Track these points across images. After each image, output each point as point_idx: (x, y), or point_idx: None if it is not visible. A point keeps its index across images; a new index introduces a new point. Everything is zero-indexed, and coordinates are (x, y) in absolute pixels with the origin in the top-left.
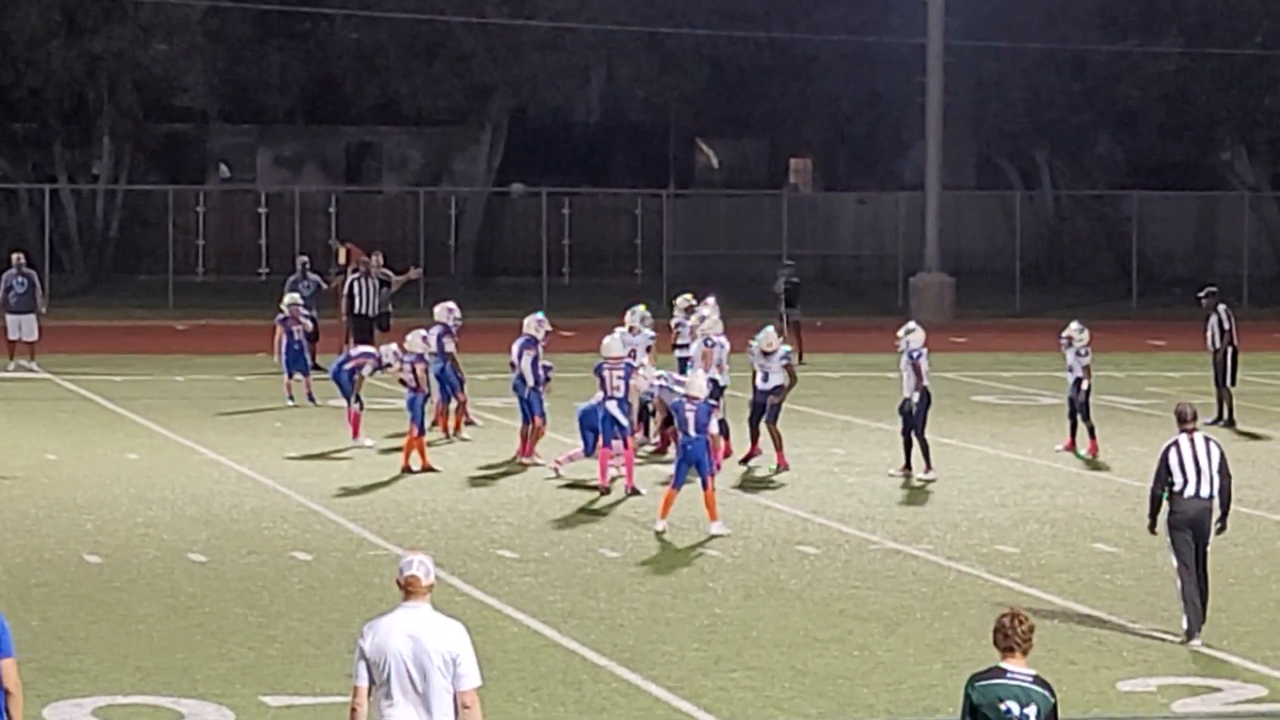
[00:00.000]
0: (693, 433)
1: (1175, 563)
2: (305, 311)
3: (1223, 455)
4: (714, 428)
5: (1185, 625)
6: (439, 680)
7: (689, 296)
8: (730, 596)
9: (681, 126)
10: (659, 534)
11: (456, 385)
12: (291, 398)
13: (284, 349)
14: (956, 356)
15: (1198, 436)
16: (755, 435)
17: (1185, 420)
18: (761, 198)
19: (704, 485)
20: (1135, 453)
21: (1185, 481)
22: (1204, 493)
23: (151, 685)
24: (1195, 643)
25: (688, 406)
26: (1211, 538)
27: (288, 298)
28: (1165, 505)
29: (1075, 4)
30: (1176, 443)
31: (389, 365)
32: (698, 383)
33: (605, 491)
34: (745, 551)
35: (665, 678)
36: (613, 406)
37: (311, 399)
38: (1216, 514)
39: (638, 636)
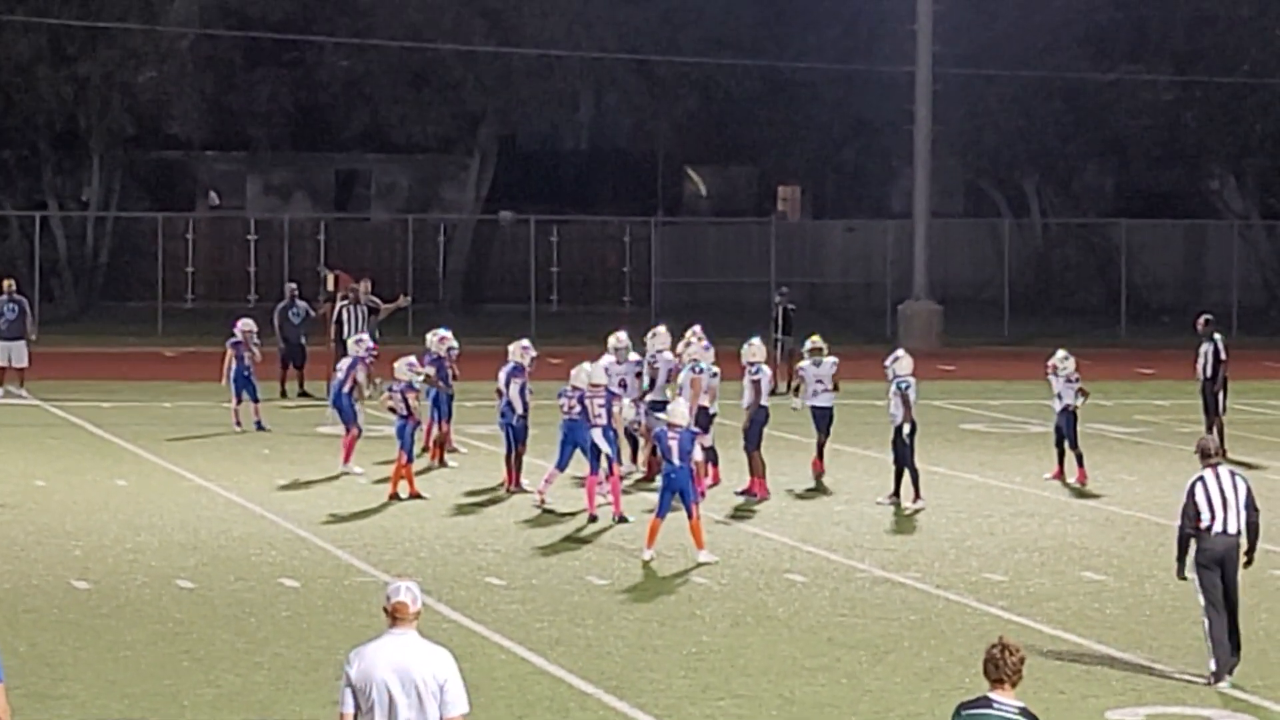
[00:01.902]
0: (676, 461)
1: (1203, 602)
2: (257, 340)
3: (1249, 489)
4: (698, 455)
5: (1213, 666)
6: (426, 707)
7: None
8: (718, 624)
9: (670, 154)
10: (646, 562)
11: (446, 413)
12: (239, 424)
13: (233, 374)
14: (945, 384)
15: (1222, 470)
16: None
17: (1209, 455)
18: (750, 225)
19: (689, 514)
20: (1124, 481)
21: (1213, 518)
22: (1231, 529)
23: (139, 711)
24: (1223, 684)
25: (670, 435)
26: (1240, 572)
27: (242, 322)
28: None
29: (1066, 33)
30: (1202, 478)
31: (371, 351)
32: (680, 410)
33: (593, 519)
34: (733, 579)
35: (652, 706)
36: (597, 435)
37: (260, 425)
38: (1244, 548)
39: (625, 664)
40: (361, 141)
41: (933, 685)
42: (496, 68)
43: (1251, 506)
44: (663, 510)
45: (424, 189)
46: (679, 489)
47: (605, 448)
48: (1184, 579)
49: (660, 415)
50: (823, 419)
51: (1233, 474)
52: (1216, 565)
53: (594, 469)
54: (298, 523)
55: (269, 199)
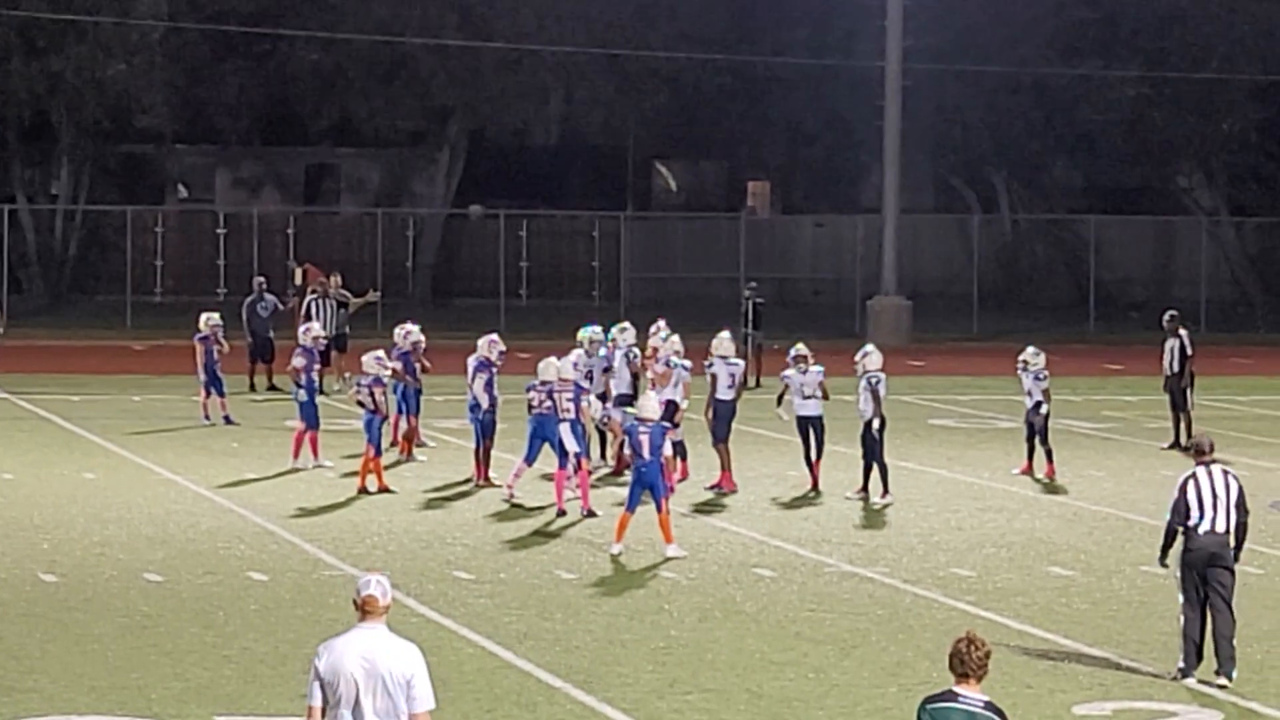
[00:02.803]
0: (646, 455)
1: (1180, 599)
2: (222, 334)
3: (1241, 489)
4: (668, 450)
5: (1181, 663)
6: (393, 702)
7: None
8: (686, 619)
9: (640, 149)
10: (615, 557)
11: (414, 407)
12: (207, 417)
13: (204, 367)
14: (914, 380)
15: (1215, 469)
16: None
17: (1203, 452)
18: (719, 220)
19: (658, 508)
20: (1092, 476)
21: (1201, 516)
22: (1220, 528)
23: (106, 705)
24: (1190, 680)
25: (641, 429)
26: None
27: (205, 316)
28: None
29: (1035, 29)
30: (1194, 475)
31: (317, 341)
32: (650, 405)
33: (562, 514)
34: (701, 574)
35: (620, 700)
36: (565, 430)
37: (228, 420)
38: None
39: (593, 658)
40: (331, 135)
41: (900, 680)
42: (466, 62)
43: (1242, 507)
44: (632, 505)
45: (393, 183)
46: (649, 484)
47: (572, 443)
48: (1165, 566)
49: (629, 410)
50: (805, 427)
51: (1226, 473)
52: (1203, 564)
53: (563, 464)
54: (266, 516)
55: (238, 192)
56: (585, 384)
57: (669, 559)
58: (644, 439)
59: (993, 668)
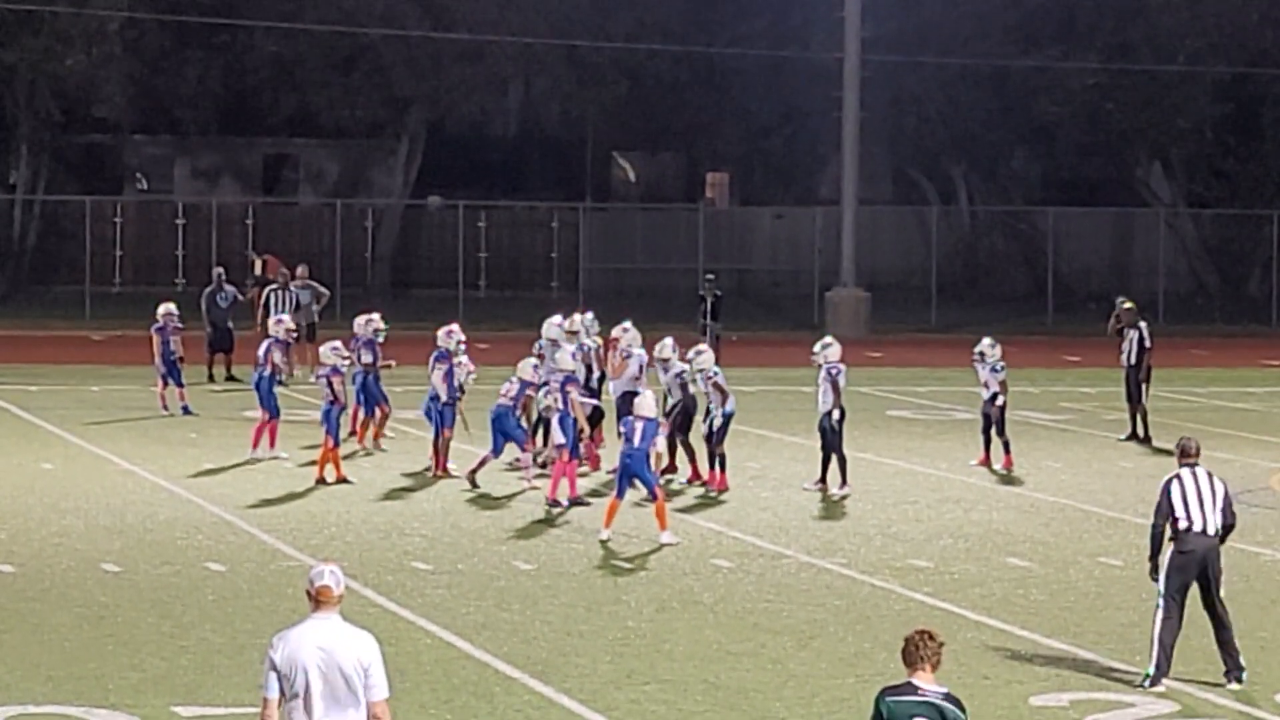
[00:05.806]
0: (636, 443)
1: (1161, 602)
2: (179, 324)
3: (1227, 492)
4: (661, 445)
5: (1151, 669)
6: (349, 692)
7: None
8: (643, 609)
9: (599, 140)
10: (603, 543)
11: (380, 397)
12: (165, 407)
13: (161, 358)
14: (872, 371)
15: (1200, 470)
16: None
17: (1188, 454)
18: (678, 211)
19: (651, 496)
20: (1050, 468)
21: (1189, 518)
22: (1210, 530)
23: (63, 694)
24: (1160, 688)
25: (636, 422)
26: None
27: (163, 307)
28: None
29: (994, 20)
30: (1178, 476)
31: (290, 334)
32: (648, 403)
33: (554, 505)
34: (659, 564)
35: (578, 690)
36: (555, 422)
37: (186, 410)
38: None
39: (550, 649)
40: (290, 125)
41: (857, 670)
42: (426, 52)
43: (1228, 511)
44: (621, 491)
45: (352, 173)
46: (635, 473)
47: (558, 435)
48: (1155, 579)
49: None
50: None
51: (1210, 475)
52: (1195, 566)
53: (574, 454)
54: (224, 507)
55: (197, 183)
56: (577, 375)
57: (663, 545)
58: (638, 426)
59: (950, 659)
